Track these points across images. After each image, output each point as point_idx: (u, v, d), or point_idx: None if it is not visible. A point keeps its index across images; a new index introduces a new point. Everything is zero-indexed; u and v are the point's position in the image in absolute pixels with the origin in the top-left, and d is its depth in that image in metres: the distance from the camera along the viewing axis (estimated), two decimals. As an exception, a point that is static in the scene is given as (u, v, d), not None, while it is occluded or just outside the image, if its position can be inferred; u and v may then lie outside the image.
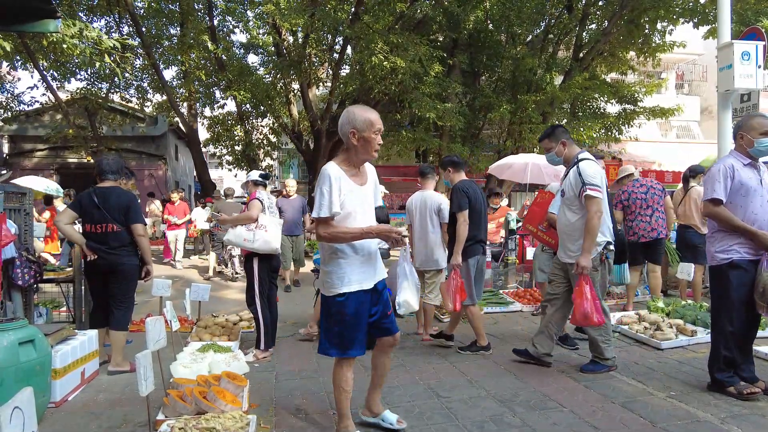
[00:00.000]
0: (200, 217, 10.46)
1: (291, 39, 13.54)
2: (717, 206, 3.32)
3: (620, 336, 4.93)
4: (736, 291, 3.28)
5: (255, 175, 4.82)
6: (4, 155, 16.63)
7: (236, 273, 9.10)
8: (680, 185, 6.63)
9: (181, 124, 14.57)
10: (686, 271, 5.64)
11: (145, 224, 4.22)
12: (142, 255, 4.13)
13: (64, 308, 5.54)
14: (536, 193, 8.39)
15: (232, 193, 10.02)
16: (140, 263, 4.17)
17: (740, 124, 3.47)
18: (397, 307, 2.93)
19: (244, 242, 4.37)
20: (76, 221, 4.14)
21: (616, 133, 14.51)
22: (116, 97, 15.56)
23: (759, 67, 5.76)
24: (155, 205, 14.03)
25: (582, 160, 3.80)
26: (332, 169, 2.66)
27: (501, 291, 6.88)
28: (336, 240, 2.66)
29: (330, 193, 2.60)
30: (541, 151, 14.35)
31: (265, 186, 4.80)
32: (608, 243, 3.80)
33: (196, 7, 13.48)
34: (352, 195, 2.67)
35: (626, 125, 14.39)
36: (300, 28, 12.28)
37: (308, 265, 8.76)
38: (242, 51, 15.58)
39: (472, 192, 4.39)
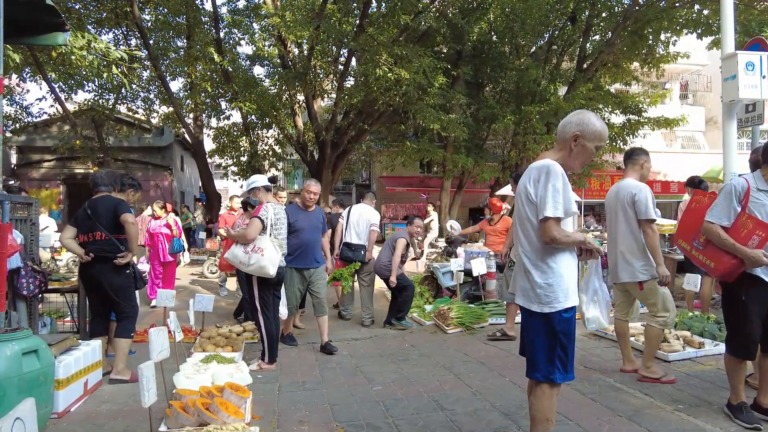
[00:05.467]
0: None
1: (296, 51, 13.68)
2: None
3: (627, 348, 4.87)
4: None
5: (264, 180, 4.48)
6: (12, 166, 16.78)
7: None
8: (686, 195, 6.57)
9: (187, 135, 14.70)
10: (693, 282, 5.59)
11: (133, 214, 4.22)
12: (128, 242, 4.10)
13: (69, 318, 5.54)
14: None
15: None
16: (131, 269, 4.18)
17: None
18: (585, 323, 2.66)
19: (240, 264, 4.22)
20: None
21: (621, 144, 14.50)
22: (123, 108, 15.73)
23: (763, 77, 5.75)
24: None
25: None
26: (558, 165, 2.36)
27: (505, 302, 6.83)
28: (563, 244, 2.35)
29: (565, 189, 2.31)
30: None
31: (270, 190, 4.54)
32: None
33: (203, 20, 13.66)
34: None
35: (631, 135, 14.39)
36: (305, 41, 12.41)
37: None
38: (248, 63, 15.74)
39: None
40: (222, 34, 14.24)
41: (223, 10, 15.50)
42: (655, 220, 3.77)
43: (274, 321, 4.49)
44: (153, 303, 7.13)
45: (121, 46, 12.19)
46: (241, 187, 17.69)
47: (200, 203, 15.54)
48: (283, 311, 4.89)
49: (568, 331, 2.38)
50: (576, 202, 2.50)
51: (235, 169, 15.60)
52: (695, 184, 6.03)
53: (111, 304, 4.10)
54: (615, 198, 3.93)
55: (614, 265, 3.95)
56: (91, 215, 4.04)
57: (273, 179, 4.69)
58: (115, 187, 4.29)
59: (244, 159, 15.22)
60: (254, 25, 14.52)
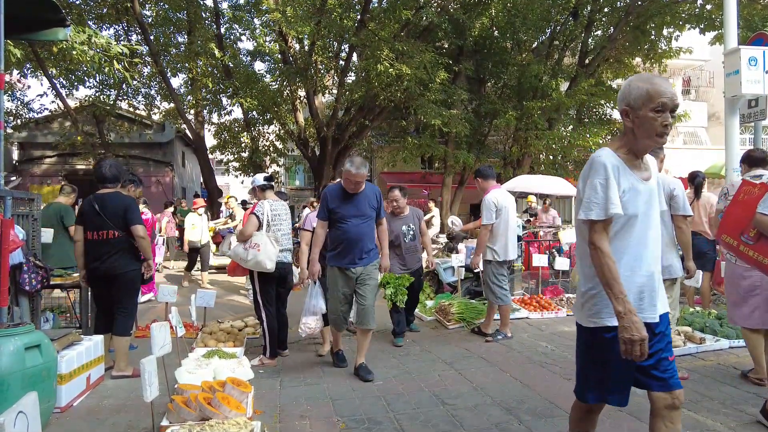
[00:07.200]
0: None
1: (297, 47, 13.66)
2: None
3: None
4: None
5: (260, 179, 4.67)
6: (14, 162, 16.80)
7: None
8: (687, 191, 6.55)
9: (188, 131, 14.69)
10: (694, 277, 5.58)
11: (144, 225, 4.20)
12: (143, 255, 4.13)
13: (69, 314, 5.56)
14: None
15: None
16: (142, 263, 4.18)
17: None
18: None
19: (241, 261, 4.33)
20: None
21: (623, 140, 14.44)
22: (124, 105, 15.72)
23: (766, 72, 5.73)
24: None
25: None
26: (607, 155, 1.98)
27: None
28: (596, 264, 1.93)
29: (606, 187, 1.92)
30: (547, 158, 14.24)
31: (272, 189, 4.69)
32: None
33: (204, 16, 13.63)
34: (634, 193, 1.98)
35: (633, 131, 14.34)
36: (306, 36, 12.37)
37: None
38: (249, 58, 15.72)
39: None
40: (223, 30, 14.20)
41: (224, 5, 15.50)
42: (692, 215, 3.79)
43: (277, 316, 4.56)
44: (147, 298, 7.19)
45: (122, 42, 12.19)
46: (242, 183, 17.75)
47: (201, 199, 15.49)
48: (310, 322, 4.26)
49: (605, 353, 1.96)
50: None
51: (236, 164, 15.61)
52: (692, 179, 6.03)
53: (114, 297, 4.09)
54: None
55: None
56: (99, 212, 3.99)
57: (270, 177, 4.74)
58: (121, 182, 4.29)
59: (245, 155, 15.22)
60: (255, 20, 14.49)
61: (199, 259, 8.91)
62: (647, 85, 1.94)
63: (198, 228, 8.70)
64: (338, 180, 4.32)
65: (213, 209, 14.62)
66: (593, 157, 2.01)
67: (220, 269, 9.79)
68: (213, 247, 9.88)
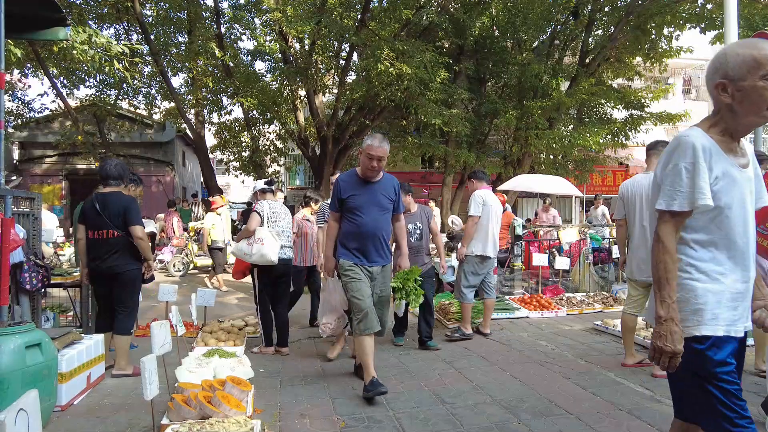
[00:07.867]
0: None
1: (297, 46, 13.65)
2: None
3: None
4: None
5: (260, 184, 5.06)
6: (14, 161, 16.81)
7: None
8: None
9: (188, 131, 14.69)
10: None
11: (144, 226, 4.20)
12: (143, 255, 4.14)
13: (71, 313, 5.57)
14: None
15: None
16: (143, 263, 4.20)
17: None
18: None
19: (244, 256, 4.57)
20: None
21: (623, 139, 14.47)
22: (124, 104, 15.73)
23: (767, 71, 5.73)
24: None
25: None
26: (697, 135, 1.66)
27: (507, 297, 6.85)
28: (655, 258, 1.67)
29: (694, 172, 1.62)
30: (547, 158, 14.20)
31: (272, 192, 4.98)
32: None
33: (204, 15, 13.63)
34: (729, 181, 1.66)
35: (633, 131, 14.36)
36: (306, 36, 12.37)
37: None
38: (249, 58, 15.71)
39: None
40: (223, 30, 14.19)
41: (225, 5, 15.49)
42: None
43: (276, 314, 4.76)
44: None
45: (123, 42, 12.19)
46: (243, 182, 17.76)
47: (200, 199, 15.53)
48: (330, 321, 4.16)
49: (701, 370, 1.64)
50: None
51: (236, 164, 15.61)
52: None
53: (115, 296, 4.10)
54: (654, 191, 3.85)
55: (645, 262, 3.98)
56: (100, 212, 4.00)
57: (270, 182, 5.16)
58: (124, 181, 4.30)
59: (245, 154, 15.22)
60: (255, 20, 14.47)
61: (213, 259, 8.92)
62: (752, 50, 1.61)
63: (219, 228, 8.66)
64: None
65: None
66: (679, 136, 1.69)
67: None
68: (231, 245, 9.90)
